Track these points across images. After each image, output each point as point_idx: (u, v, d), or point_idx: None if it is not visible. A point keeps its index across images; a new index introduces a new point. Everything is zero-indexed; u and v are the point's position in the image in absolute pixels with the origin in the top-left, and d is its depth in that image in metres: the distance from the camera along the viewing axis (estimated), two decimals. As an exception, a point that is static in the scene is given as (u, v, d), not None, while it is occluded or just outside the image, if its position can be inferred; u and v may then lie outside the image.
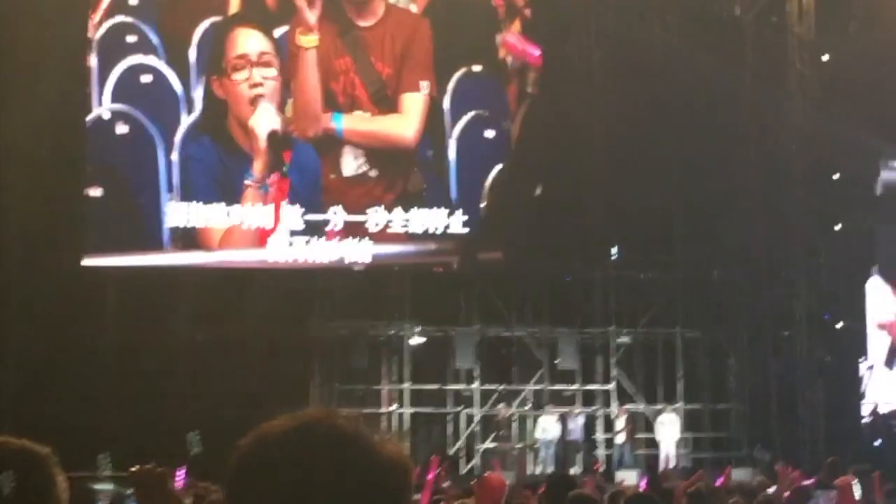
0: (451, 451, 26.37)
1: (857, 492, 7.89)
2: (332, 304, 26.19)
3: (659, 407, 27.26)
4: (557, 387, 27.42)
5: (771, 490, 13.94)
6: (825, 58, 27.61)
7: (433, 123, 25.30)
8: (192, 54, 24.54)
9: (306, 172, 24.71)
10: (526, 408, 27.21)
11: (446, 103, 25.54)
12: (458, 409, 27.02)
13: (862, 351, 27.81)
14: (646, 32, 27.35)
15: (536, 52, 26.16)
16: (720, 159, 27.44)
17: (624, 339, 27.90)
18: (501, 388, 27.19)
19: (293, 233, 24.29)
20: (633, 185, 26.69)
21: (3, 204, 23.47)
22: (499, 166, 25.85)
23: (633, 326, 27.78)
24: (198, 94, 24.53)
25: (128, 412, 22.71)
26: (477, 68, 25.89)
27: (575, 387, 27.42)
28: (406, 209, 25.17)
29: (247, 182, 23.94)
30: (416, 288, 26.48)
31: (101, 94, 24.36)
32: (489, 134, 25.89)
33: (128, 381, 23.32)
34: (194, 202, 24.14)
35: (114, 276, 24.45)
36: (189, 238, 24.27)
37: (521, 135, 26.15)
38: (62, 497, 2.61)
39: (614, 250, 28.01)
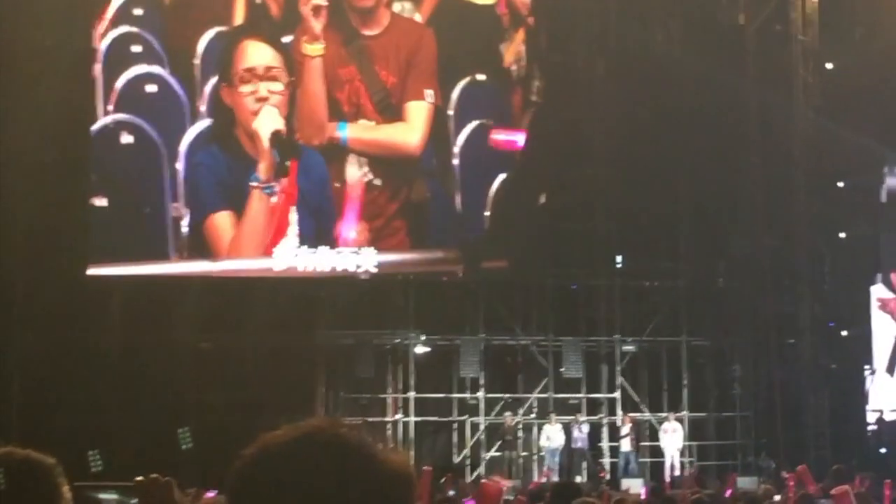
0: (457, 460, 26.34)
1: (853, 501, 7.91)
2: (337, 313, 26.16)
3: (663, 415, 27.23)
4: (562, 395, 27.37)
5: (776, 498, 13.96)
6: (829, 66, 27.62)
7: (437, 132, 25.32)
8: (197, 64, 24.58)
9: (315, 180, 24.71)
10: (531, 416, 27.18)
11: (451, 112, 25.57)
12: (463, 417, 26.99)
13: (867, 358, 27.77)
14: (649, 41, 27.38)
15: (521, 139, 26.15)
16: (725, 167, 27.45)
17: (629, 348, 27.84)
18: (506, 396, 27.16)
19: (302, 240, 24.31)
20: (638, 194, 26.70)
21: (9, 213, 23.48)
22: (503, 175, 25.86)
23: (638, 335, 27.72)
24: (202, 103, 24.57)
25: (133, 420, 22.70)
26: (481, 77, 25.94)
27: (580, 395, 27.36)
28: (410, 218, 25.22)
29: (252, 184, 23.92)
30: (420, 297, 26.46)
31: (106, 103, 24.40)
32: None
33: (132, 390, 23.31)
34: (202, 210, 24.15)
35: (118, 284, 24.47)
36: (195, 247, 24.28)
37: (526, 143, 26.16)
38: (67, 507, 2.61)
39: (619, 258, 27.98)
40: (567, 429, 26.38)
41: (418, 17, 25.82)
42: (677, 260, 28.02)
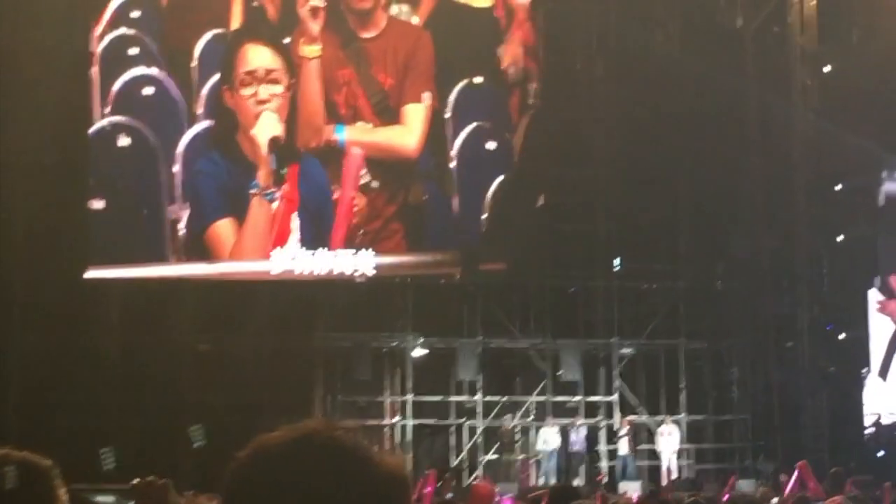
0: (454, 463, 26.33)
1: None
2: (334, 316, 26.14)
3: (660, 418, 27.23)
4: (560, 398, 27.36)
5: (774, 501, 13.95)
6: (827, 68, 27.62)
7: (435, 135, 25.31)
8: (195, 66, 24.57)
9: (314, 185, 24.68)
10: (528, 419, 27.16)
11: (448, 115, 25.56)
12: (461, 420, 26.97)
13: (865, 361, 27.76)
14: (648, 42, 27.39)
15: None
16: (723, 170, 27.45)
17: (627, 351, 27.83)
18: (504, 399, 27.15)
19: (302, 244, 24.29)
20: (636, 196, 26.71)
21: (6, 215, 23.49)
22: (501, 177, 25.85)
23: (636, 337, 27.70)
24: (200, 105, 24.56)
25: (131, 422, 22.69)
26: (478, 80, 25.92)
27: (578, 398, 27.35)
28: (408, 220, 25.22)
29: (252, 191, 23.91)
30: (418, 299, 26.45)
31: (103, 106, 24.38)
32: (491, 145, 25.89)
33: (131, 392, 23.30)
34: (204, 218, 24.11)
35: (117, 286, 24.47)
36: (193, 249, 24.27)
37: (524, 146, 26.16)
38: (63, 509, 2.61)
39: (617, 261, 27.98)
40: (564, 432, 26.38)
41: (415, 20, 25.82)
42: (675, 262, 28.02)
